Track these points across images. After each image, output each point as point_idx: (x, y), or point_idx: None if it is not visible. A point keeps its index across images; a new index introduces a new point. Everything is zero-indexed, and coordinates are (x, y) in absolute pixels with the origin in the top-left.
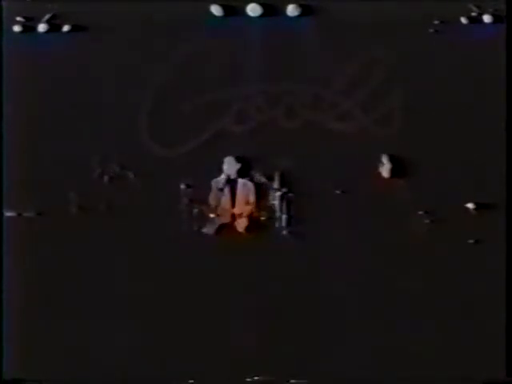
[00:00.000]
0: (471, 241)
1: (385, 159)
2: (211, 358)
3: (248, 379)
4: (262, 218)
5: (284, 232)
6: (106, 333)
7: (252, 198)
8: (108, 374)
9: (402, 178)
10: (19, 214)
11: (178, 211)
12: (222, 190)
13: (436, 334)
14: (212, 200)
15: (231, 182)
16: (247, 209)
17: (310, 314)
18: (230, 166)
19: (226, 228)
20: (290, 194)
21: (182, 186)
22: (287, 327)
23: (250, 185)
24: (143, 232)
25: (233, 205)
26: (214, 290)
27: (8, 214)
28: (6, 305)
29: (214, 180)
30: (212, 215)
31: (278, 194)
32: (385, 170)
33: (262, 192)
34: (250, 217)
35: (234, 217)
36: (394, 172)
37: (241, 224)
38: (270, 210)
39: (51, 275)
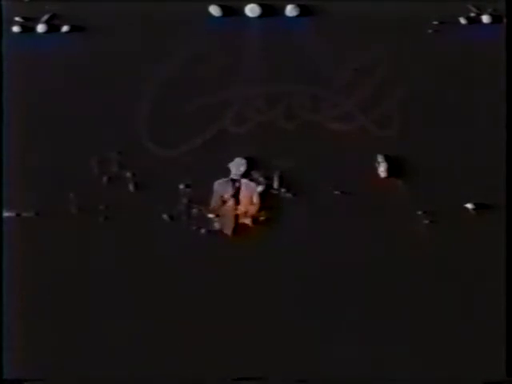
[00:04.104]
0: (471, 241)
1: (384, 159)
2: (211, 356)
3: (249, 379)
4: (262, 219)
5: (282, 232)
6: (106, 332)
7: (256, 198)
8: (108, 373)
9: (401, 178)
10: (18, 215)
11: (177, 212)
12: (225, 190)
13: (436, 334)
14: (214, 202)
15: (235, 183)
16: (251, 208)
17: (309, 313)
18: (237, 167)
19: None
20: (289, 195)
21: (181, 187)
22: (287, 327)
23: (253, 185)
24: (143, 232)
25: (236, 205)
26: (214, 289)
27: (7, 214)
28: (6, 305)
29: (217, 182)
30: (211, 215)
31: (278, 194)
32: (384, 170)
33: (263, 193)
34: (254, 217)
35: (237, 218)
36: (393, 172)
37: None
38: (269, 210)
39: (51, 275)
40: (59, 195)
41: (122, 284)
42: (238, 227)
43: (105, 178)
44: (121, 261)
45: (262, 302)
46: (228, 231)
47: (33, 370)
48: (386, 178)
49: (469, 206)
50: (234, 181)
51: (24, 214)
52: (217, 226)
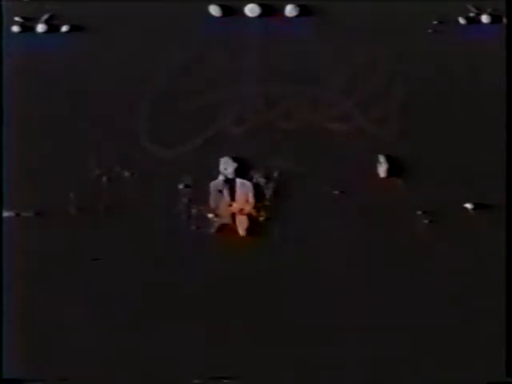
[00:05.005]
0: (471, 241)
1: (383, 159)
2: (211, 356)
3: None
4: (261, 219)
5: (282, 232)
6: (105, 332)
7: (251, 198)
8: (108, 374)
9: (400, 178)
10: (18, 214)
11: (177, 211)
12: (221, 191)
13: (436, 334)
14: (212, 202)
15: (230, 182)
16: (247, 207)
17: (309, 313)
18: (226, 166)
19: (226, 228)
20: (288, 195)
21: (181, 187)
22: (286, 327)
23: (249, 184)
24: (142, 232)
25: (232, 204)
26: (212, 289)
27: (7, 214)
28: (5, 305)
29: (213, 182)
30: (210, 215)
31: (277, 194)
32: (384, 170)
33: (260, 192)
34: (250, 217)
35: (234, 216)
36: (392, 172)
37: (241, 224)
38: (269, 210)
39: (50, 275)
40: (59, 195)
41: (121, 284)
42: (230, 227)
43: (105, 178)
44: (120, 261)
45: (262, 302)
46: (228, 229)
47: (33, 370)
48: (385, 177)
49: (469, 206)
50: (228, 180)
51: (24, 214)
52: (216, 225)
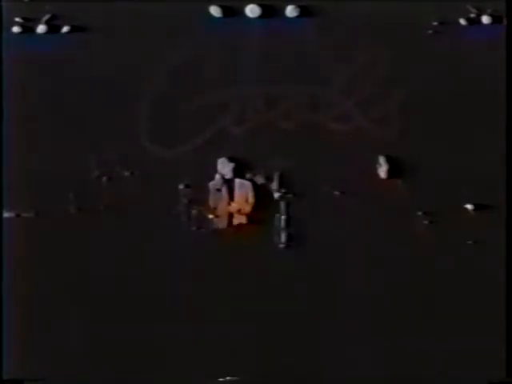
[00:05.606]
0: (470, 241)
1: (384, 160)
2: (211, 356)
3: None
4: (260, 219)
5: (283, 232)
6: (105, 332)
7: (251, 198)
8: (108, 373)
9: (400, 178)
10: (18, 215)
11: (177, 212)
12: (219, 190)
13: (436, 335)
14: (212, 202)
15: (229, 182)
16: (246, 207)
17: (309, 313)
18: (223, 166)
19: (230, 228)
20: (288, 195)
21: (181, 187)
22: (286, 327)
23: (248, 184)
24: (142, 232)
25: (231, 203)
26: (213, 289)
27: (7, 214)
28: (5, 305)
29: (212, 182)
30: (211, 216)
31: (277, 194)
32: (384, 170)
33: (260, 193)
34: (249, 216)
35: (232, 216)
36: (392, 173)
37: (239, 219)
38: (269, 210)
39: (50, 276)
40: (59, 195)
41: (121, 284)
42: (236, 227)
43: (105, 178)
44: (120, 261)
45: (262, 302)
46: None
47: (32, 370)
48: (385, 178)
49: (469, 206)
50: (227, 180)
51: (24, 215)
52: (215, 225)
